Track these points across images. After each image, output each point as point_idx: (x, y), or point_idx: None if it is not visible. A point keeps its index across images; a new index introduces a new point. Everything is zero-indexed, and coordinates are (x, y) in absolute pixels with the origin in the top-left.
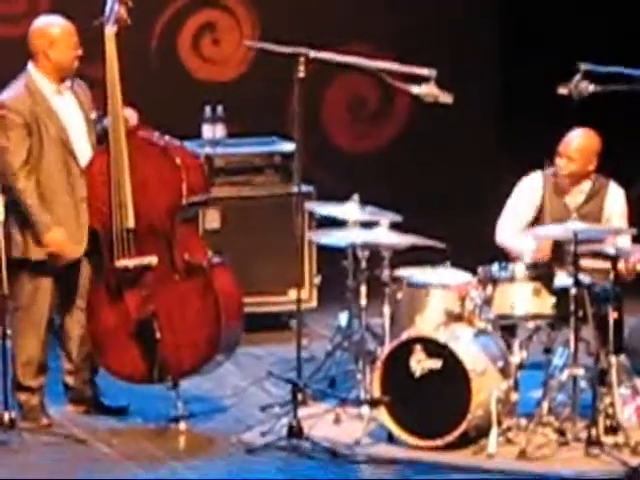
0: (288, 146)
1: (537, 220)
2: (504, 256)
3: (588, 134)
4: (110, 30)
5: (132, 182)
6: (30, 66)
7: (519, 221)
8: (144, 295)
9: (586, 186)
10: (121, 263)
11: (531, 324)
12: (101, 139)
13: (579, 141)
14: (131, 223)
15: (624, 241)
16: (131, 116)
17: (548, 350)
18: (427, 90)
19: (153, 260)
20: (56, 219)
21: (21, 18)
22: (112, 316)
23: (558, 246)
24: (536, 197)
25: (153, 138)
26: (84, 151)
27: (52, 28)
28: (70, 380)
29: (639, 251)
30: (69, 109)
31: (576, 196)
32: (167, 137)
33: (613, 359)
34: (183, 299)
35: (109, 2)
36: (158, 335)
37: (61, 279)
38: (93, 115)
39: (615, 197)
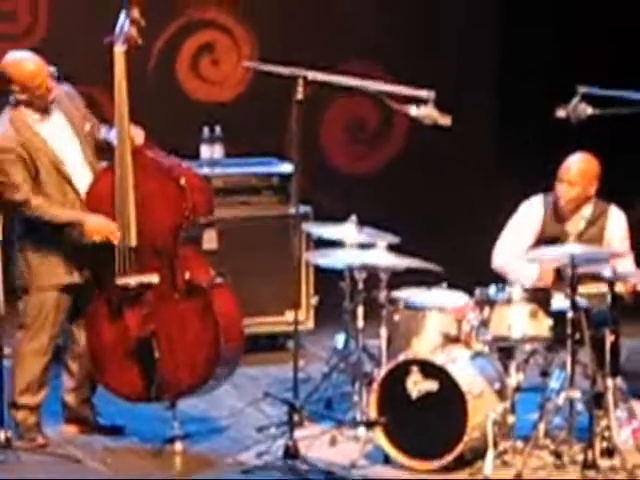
0: (286, 167)
1: (536, 246)
2: (502, 278)
3: (587, 158)
4: (120, 49)
5: (136, 200)
6: (11, 98)
7: (518, 246)
8: (144, 314)
9: (586, 212)
10: (122, 281)
11: (528, 346)
12: (102, 148)
13: (579, 165)
14: (133, 241)
15: (626, 264)
16: (138, 134)
17: (545, 373)
18: (426, 112)
19: (154, 279)
20: (63, 246)
21: (21, 37)
22: (111, 333)
23: (561, 272)
24: (536, 223)
25: (159, 158)
26: (80, 172)
27: (15, 72)
28: (69, 398)
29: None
30: (58, 133)
31: (577, 222)
32: (174, 158)
33: (610, 382)
34: (182, 319)
35: (120, 21)
36: (157, 354)
37: (66, 299)
38: (87, 127)
39: (616, 221)
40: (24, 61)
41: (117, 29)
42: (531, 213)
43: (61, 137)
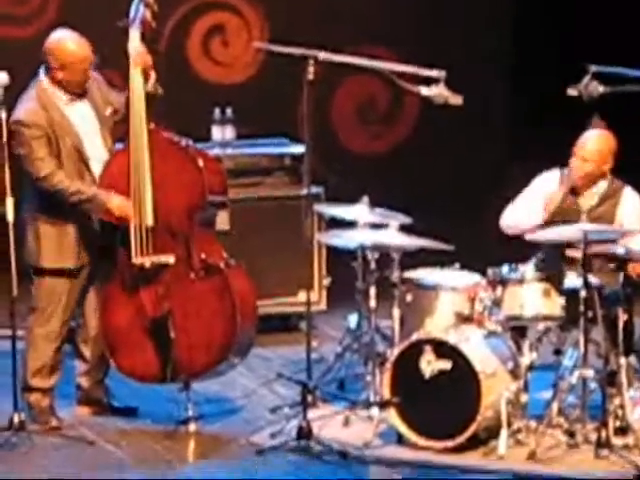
0: (298, 148)
1: (548, 218)
2: (513, 258)
3: (604, 135)
4: (135, 32)
5: (153, 181)
6: (42, 74)
7: (528, 212)
8: (160, 293)
9: (601, 188)
10: (138, 260)
11: (541, 325)
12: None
13: (594, 142)
14: (150, 221)
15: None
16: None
17: (558, 351)
18: (437, 92)
19: (170, 259)
20: (76, 226)
21: (32, 18)
22: (127, 313)
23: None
24: (549, 193)
25: (175, 138)
26: (100, 160)
27: (65, 50)
28: (82, 380)
29: None
30: (83, 117)
31: (590, 198)
32: (186, 139)
33: (623, 360)
34: (199, 299)
35: (134, 5)
36: (173, 334)
37: (78, 282)
38: (108, 111)
39: (630, 201)
40: (70, 40)
41: (131, 13)
42: (546, 183)
43: (86, 123)
